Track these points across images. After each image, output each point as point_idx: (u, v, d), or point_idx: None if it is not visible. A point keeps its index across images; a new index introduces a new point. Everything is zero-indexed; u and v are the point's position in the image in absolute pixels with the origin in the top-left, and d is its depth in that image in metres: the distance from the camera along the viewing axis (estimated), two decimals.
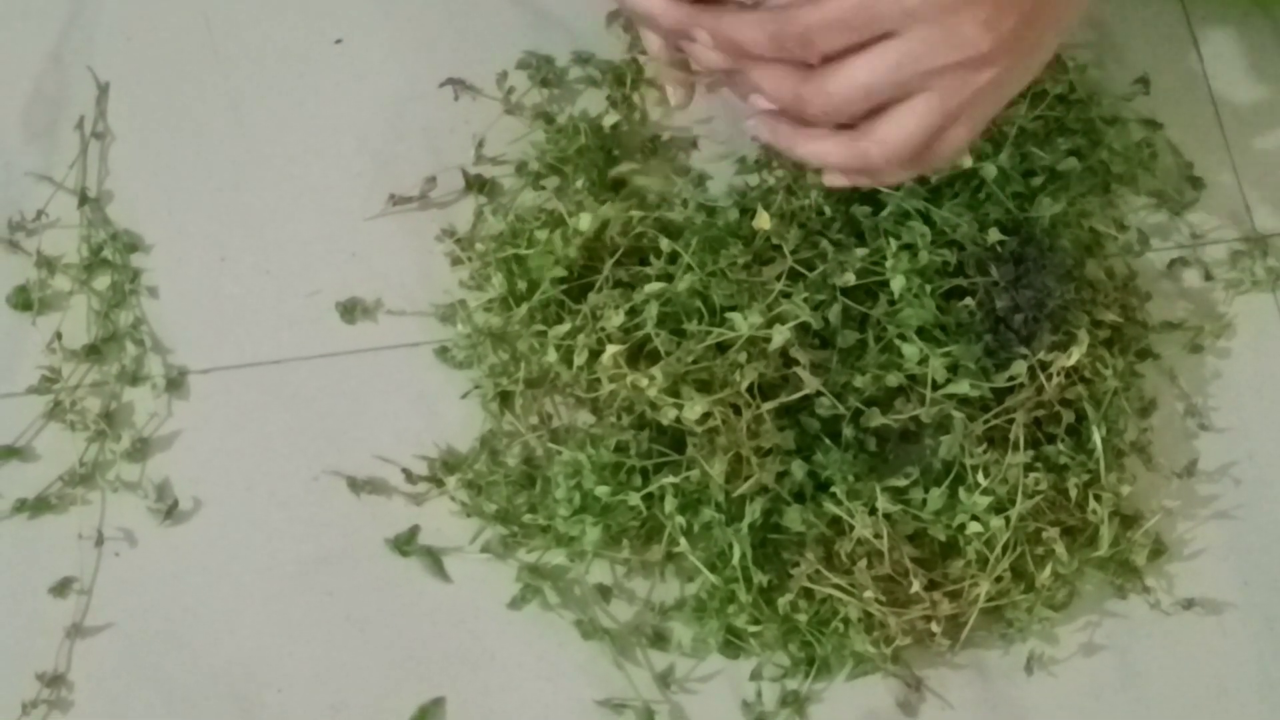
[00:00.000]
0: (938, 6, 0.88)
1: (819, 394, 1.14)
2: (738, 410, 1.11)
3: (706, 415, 1.10)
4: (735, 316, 1.12)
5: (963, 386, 1.12)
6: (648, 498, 1.12)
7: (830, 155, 0.95)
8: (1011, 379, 1.13)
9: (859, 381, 1.14)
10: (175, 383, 1.22)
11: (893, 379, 1.14)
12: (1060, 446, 1.14)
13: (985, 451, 1.12)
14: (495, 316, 1.19)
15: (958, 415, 1.13)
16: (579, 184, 1.23)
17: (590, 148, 1.24)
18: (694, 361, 1.12)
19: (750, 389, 1.12)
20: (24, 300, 1.23)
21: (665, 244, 1.16)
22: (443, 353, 1.21)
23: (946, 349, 1.13)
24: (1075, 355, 1.13)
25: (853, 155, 0.93)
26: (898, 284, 1.14)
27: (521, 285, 1.18)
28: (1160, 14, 1.34)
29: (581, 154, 1.24)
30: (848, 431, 1.14)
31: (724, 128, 1.28)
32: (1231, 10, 1.34)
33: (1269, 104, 1.32)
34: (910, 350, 1.13)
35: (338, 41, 1.32)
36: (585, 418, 1.19)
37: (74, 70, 1.31)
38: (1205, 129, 1.31)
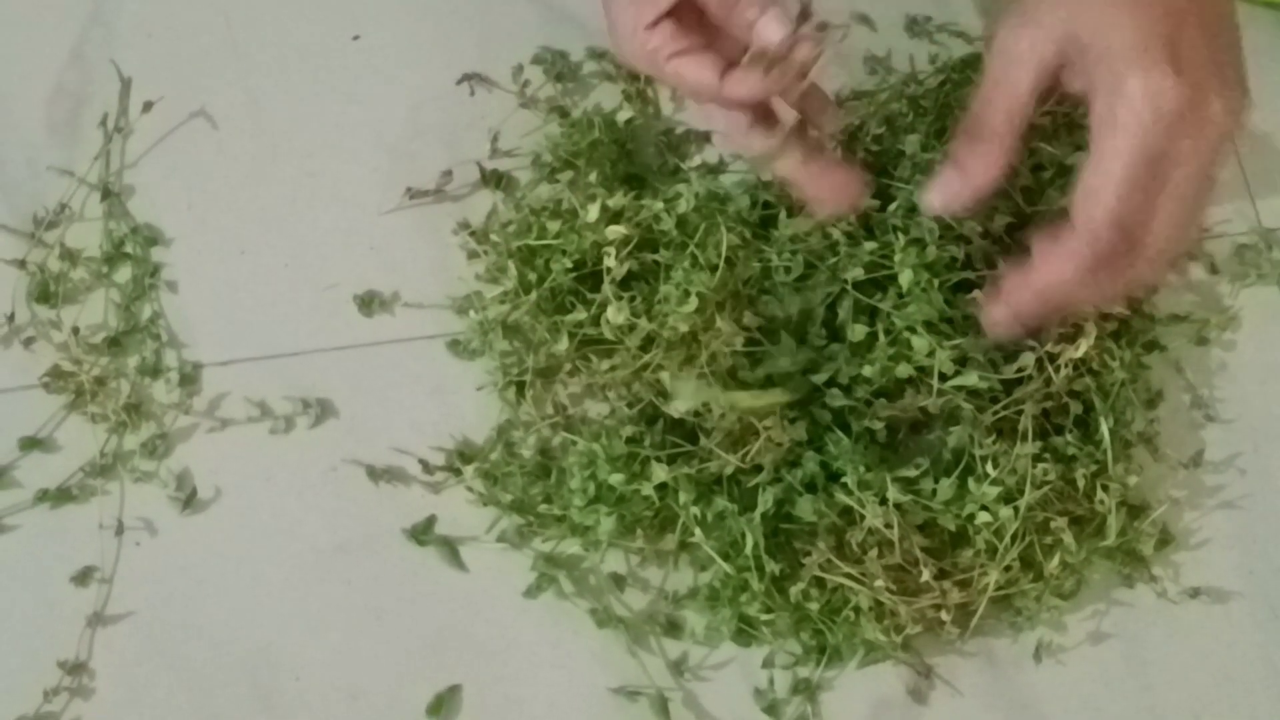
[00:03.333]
0: (1155, 109, 0.89)
1: (829, 385, 1.13)
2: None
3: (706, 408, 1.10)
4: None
5: (971, 379, 1.11)
6: (661, 488, 1.11)
7: (1108, 294, 1.00)
8: (1019, 371, 1.12)
9: (868, 373, 1.13)
10: (194, 375, 1.21)
11: (902, 370, 1.13)
12: (1068, 437, 1.13)
13: (994, 442, 1.11)
14: (509, 307, 1.18)
15: (967, 407, 1.12)
16: (592, 177, 1.22)
17: (604, 142, 1.24)
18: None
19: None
20: (45, 293, 1.22)
21: (669, 223, 1.15)
22: (454, 345, 1.21)
23: (955, 341, 1.12)
24: (1083, 347, 1.12)
25: (1130, 283, 0.98)
26: (906, 278, 1.13)
27: (533, 277, 1.17)
28: None
29: (595, 148, 1.23)
30: (857, 423, 1.13)
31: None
32: (1238, 6, 1.32)
33: (1275, 99, 1.30)
34: (919, 343, 1.12)
35: (355, 38, 1.32)
36: (599, 409, 1.18)
37: (95, 66, 1.30)
38: None
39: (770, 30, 0.98)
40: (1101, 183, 0.91)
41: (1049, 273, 0.95)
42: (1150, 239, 0.92)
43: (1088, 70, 0.92)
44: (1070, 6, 0.91)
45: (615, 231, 1.13)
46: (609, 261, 1.13)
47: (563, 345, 1.15)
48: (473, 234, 1.23)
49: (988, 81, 0.96)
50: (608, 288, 1.13)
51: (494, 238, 1.21)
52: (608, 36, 1.07)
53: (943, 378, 1.12)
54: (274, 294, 1.24)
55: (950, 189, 0.97)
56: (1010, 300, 0.99)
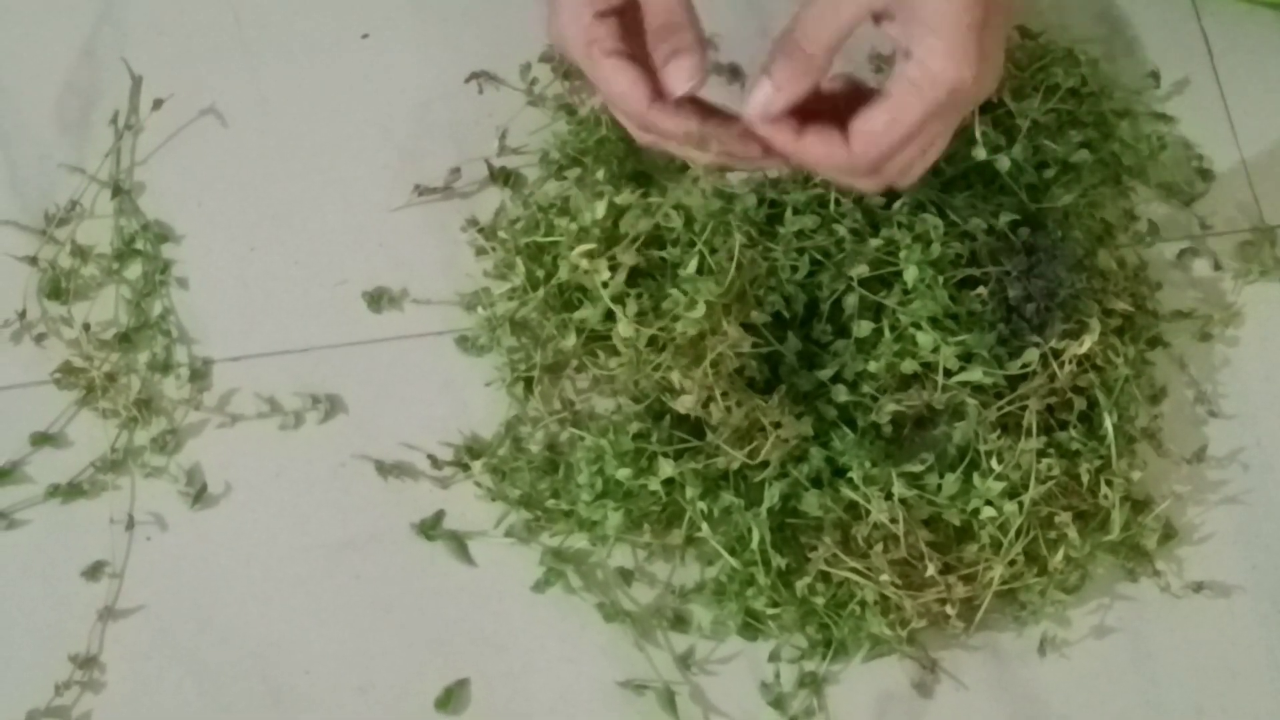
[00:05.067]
0: (948, 93, 1.00)
1: (835, 381, 1.13)
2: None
3: (709, 401, 1.09)
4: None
5: (975, 374, 1.11)
6: (668, 483, 1.11)
7: (813, 153, 1.05)
8: (1024, 366, 1.12)
9: (874, 368, 1.13)
10: (204, 370, 1.21)
11: (907, 366, 1.12)
12: (1072, 433, 1.13)
13: (999, 438, 1.11)
14: (516, 303, 1.18)
15: (971, 402, 1.11)
16: (599, 174, 1.21)
17: (610, 139, 1.23)
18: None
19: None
20: (56, 289, 1.22)
21: (676, 222, 1.14)
22: (462, 341, 1.21)
23: (960, 338, 1.12)
24: (1087, 343, 1.11)
25: (839, 158, 1.04)
26: (911, 275, 1.13)
27: (541, 273, 1.17)
28: (1170, 9, 1.33)
29: (602, 145, 1.23)
30: (863, 419, 1.13)
31: None
32: (1240, 5, 1.32)
33: (1277, 97, 1.31)
34: (924, 339, 1.11)
35: (364, 36, 1.32)
36: (606, 404, 1.18)
37: (106, 64, 1.30)
38: (1214, 122, 1.30)
39: (674, 82, 1.05)
40: (885, 131, 1.02)
41: (811, 154, 1.04)
42: (884, 170, 1.05)
43: (906, 27, 1.00)
44: None
45: (580, 253, 1.12)
46: (602, 275, 1.12)
47: (570, 341, 1.14)
48: (481, 231, 1.23)
49: (818, 7, 1.02)
50: (606, 301, 1.12)
51: (502, 235, 1.21)
52: (548, 18, 1.09)
53: (947, 373, 1.11)
54: (283, 290, 1.24)
55: (768, 99, 1.03)
56: (775, 133, 1.05)
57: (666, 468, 1.10)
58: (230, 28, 1.32)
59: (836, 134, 1.03)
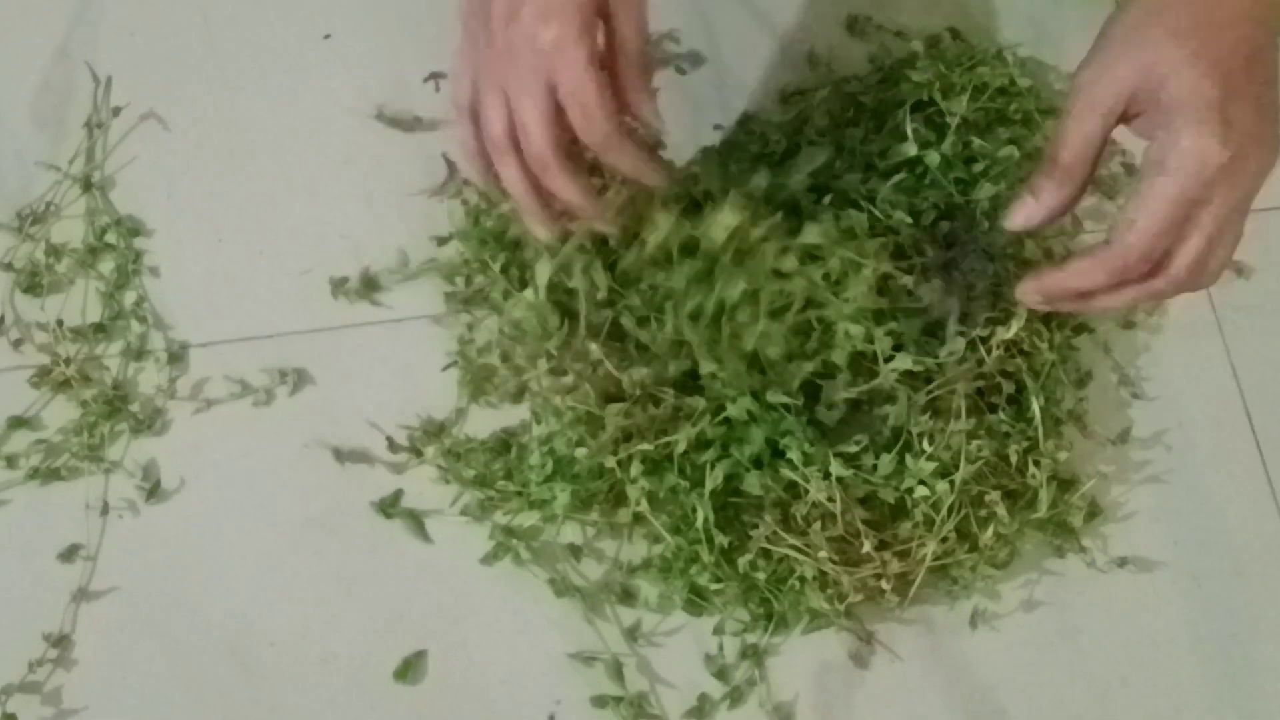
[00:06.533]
0: (1199, 165, 0.97)
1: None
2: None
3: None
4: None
5: (906, 362, 1.12)
6: (618, 463, 1.12)
7: (1127, 300, 1.04)
8: (951, 354, 1.13)
9: (808, 367, 1.14)
10: (177, 356, 1.22)
11: (838, 355, 1.13)
12: (1001, 415, 1.15)
13: (930, 420, 1.13)
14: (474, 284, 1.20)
15: (902, 387, 1.13)
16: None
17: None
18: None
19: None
20: (33, 284, 1.24)
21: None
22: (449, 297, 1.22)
23: (889, 326, 1.13)
24: (1014, 328, 1.13)
25: (1148, 295, 1.03)
26: (834, 265, 1.13)
27: (501, 256, 1.19)
28: (1095, 12, 1.31)
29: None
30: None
31: (682, 132, 1.28)
32: None
33: None
34: (856, 330, 1.12)
35: (327, 36, 1.33)
36: (559, 384, 1.19)
37: (80, 64, 1.31)
38: None
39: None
40: (1142, 217, 0.99)
41: (1082, 278, 1.03)
42: (1173, 265, 1.00)
43: (1151, 116, 0.99)
44: (1145, 56, 0.98)
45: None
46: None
47: (519, 314, 1.16)
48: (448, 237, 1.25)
49: (1070, 120, 1.01)
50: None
51: (459, 219, 1.23)
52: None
53: (881, 359, 1.13)
54: (250, 279, 1.25)
55: (1029, 213, 1.04)
56: (1044, 287, 1.05)
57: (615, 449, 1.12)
58: (199, 28, 1.33)
59: (1098, 248, 1.02)
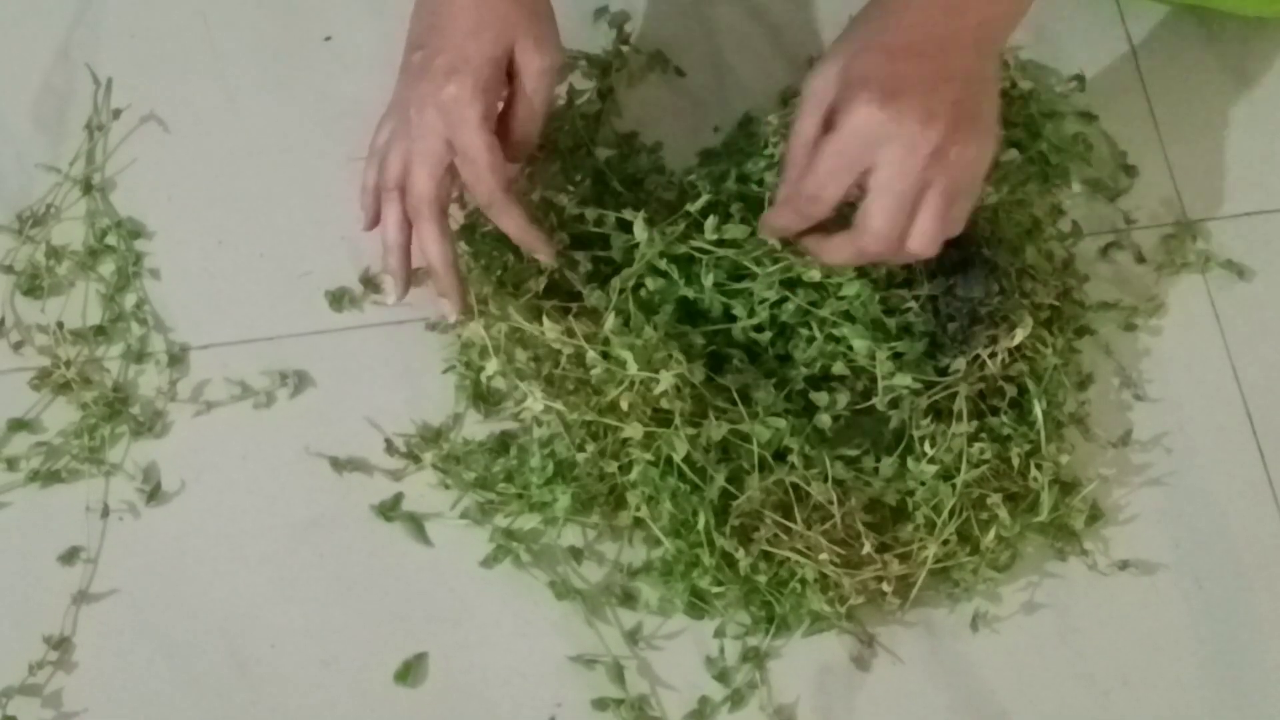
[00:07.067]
0: (885, 126, 1.02)
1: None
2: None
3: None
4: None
5: (905, 379, 1.12)
6: (619, 468, 1.12)
7: (838, 256, 1.09)
8: (953, 373, 1.14)
9: (802, 357, 1.14)
10: (177, 358, 1.22)
11: (837, 368, 1.14)
12: (1003, 418, 1.15)
13: (932, 423, 1.12)
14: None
15: (904, 393, 1.13)
16: (554, 168, 1.23)
17: (566, 133, 1.24)
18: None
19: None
20: (34, 286, 1.23)
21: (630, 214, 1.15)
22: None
23: (893, 345, 1.13)
24: (1019, 337, 1.13)
25: (854, 254, 1.08)
26: (850, 289, 1.14)
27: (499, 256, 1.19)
28: (1096, 14, 1.34)
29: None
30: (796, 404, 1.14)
31: (682, 133, 1.28)
32: (1163, 9, 1.34)
33: (1199, 98, 1.32)
34: (860, 345, 1.12)
35: (327, 39, 1.32)
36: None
37: (80, 66, 1.31)
38: (1139, 121, 1.31)
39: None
40: (874, 212, 1.04)
41: (832, 255, 1.10)
42: (910, 240, 1.05)
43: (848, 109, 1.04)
44: (848, 57, 1.05)
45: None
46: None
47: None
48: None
49: (797, 118, 1.08)
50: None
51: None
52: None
53: (879, 378, 1.13)
54: (250, 281, 1.24)
55: (778, 225, 1.11)
56: (800, 241, 1.11)
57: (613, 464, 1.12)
58: (199, 30, 1.32)
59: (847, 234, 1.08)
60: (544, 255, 1.15)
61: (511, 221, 1.13)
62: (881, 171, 1.03)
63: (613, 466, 1.12)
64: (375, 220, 1.18)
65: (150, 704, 1.13)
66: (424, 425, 1.19)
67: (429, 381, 1.20)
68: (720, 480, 1.10)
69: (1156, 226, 1.27)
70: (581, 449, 1.12)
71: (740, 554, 1.10)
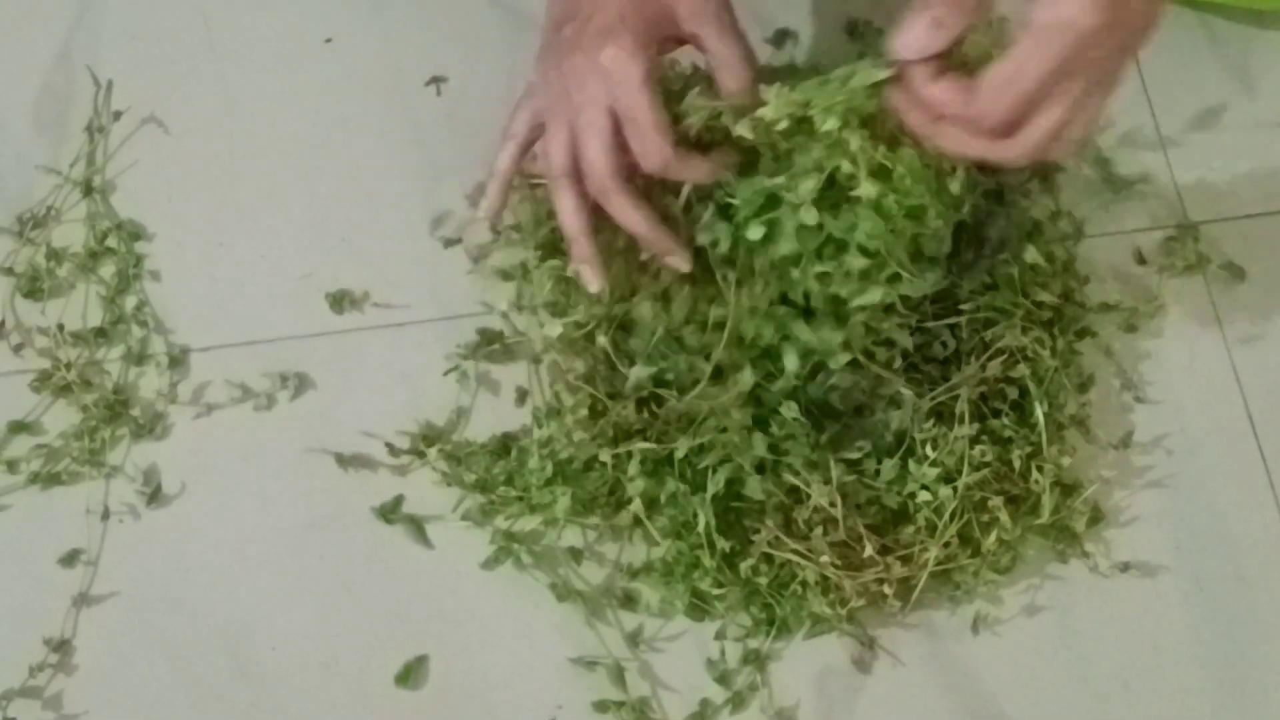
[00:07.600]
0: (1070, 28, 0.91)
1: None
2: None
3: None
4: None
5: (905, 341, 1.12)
6: (618, 468, 1.12)
7: (971, 150, 0.98)
8: (952, 381, 1.14)
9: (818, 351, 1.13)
10: (178, 360, 1.22)
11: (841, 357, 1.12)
12: (1004, 421, 1.14)
13: (933, 426, 1.12)
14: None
15: (906, 392, 1.13)
16: None
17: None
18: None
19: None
20: (34, 288, 1.23)
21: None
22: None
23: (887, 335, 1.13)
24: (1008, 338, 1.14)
25: (994, 155, 0.98)
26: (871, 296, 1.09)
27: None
28: None
29: None
30: (791, 410, 1.13)
31: None
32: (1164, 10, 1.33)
33: (1200, 100, 1.32)
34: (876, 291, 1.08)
35: (328, 41, 1.32)
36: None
37: (81, 68, 1.30)
38: (1141, 124, 1.31)
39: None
40: (1011, 79, 0.94)
41: (941, 98, 0.97)
42: (1029, 133, 0.96)
43: None
44: None
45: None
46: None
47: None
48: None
49: None
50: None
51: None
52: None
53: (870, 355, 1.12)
54: (251, 283, 1.24)
55: (924, 33, 0.96)
56: (912, 82, 0.98)
57: (606, 454, 1.12)
58: (200, 32, 1.32)
59: (969, 83, 0.95)
60: (684, 266, 1.08)
61: (692, 172, 1.04)
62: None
63: (607, 455, 1.12)
64: (498, 207, 1.13)
65: (151, 706, 1.12)
66: (426, 424, 1.19)
67: (429, 384, 1.20)
68: (721, 481, 1.10)
69: (1157, 228, 1.27)
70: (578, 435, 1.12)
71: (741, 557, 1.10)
